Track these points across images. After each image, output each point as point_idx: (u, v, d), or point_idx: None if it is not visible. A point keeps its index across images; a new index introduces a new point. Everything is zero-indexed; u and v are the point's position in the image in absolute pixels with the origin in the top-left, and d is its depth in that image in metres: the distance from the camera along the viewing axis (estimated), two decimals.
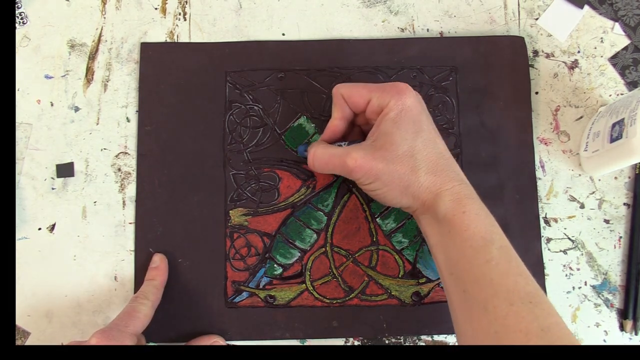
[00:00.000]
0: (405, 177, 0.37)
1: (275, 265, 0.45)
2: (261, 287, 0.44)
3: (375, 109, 0.39)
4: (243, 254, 0.45)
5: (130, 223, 0.45)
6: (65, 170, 0.46)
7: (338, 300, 0.44)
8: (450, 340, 0.44)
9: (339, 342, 0.44)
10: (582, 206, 0.46)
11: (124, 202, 0.45)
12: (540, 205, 0.46)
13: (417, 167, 0.37)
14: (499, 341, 0.32)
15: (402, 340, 0.44)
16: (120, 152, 0.46)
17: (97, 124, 0.46)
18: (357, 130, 0.44)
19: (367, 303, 0.44)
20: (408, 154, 0.37)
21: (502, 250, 0.35)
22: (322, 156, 0.40)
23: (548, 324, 0.32)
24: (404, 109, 0.38)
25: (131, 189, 0.46)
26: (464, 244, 0.35)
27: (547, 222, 0.46)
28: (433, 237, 0.38)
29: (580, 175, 0.46)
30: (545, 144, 0.47)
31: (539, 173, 0.46)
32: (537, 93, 0.47)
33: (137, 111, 0.46)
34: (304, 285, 0.44)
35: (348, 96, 0.40)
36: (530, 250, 0.45)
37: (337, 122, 0.41)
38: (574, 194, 0.46)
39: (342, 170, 0.39)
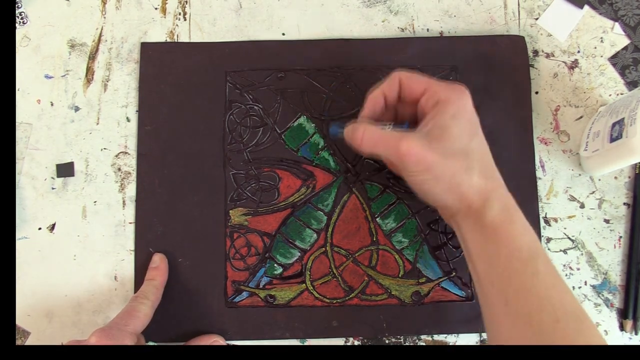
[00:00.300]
0: (458, 174, 0.36)
1: (275, 265, 0.45)
2: (261, 286, 0.44)
3: (432, 101, 0.38)
4: (243, 254, 0.45)
5: (130, 223, 0.45)
6: (65, 170, 0.46)
7: (338, 300, 0.44)
8: (450, 340, 0.44)
9: (339, 341, 0.44)
10: (582, 206, 0.46)
11: (124, 201, 0.45)
12: (540, 205, 0.46)
13: (471, 167, 0.36)
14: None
15: (402, 340, 0.44)
16: (120, 152, 0.46)
17: (97, 123, 0.46)
18: (390, 117, 0.42)
19: (367, 303, 0.44)
20: (464, 151, 0.36)
21: (548, 265, 0.35)
22: (372, 135, 0.38)
23: (594, 342, 0.32)
24: (464, 107, 0.37)
25: (131, 189, 0.46)
26: (511, 255, 0.34)
27: (547, 221, 0.46)
28: (474, 244, 0.37)
29: (580, 175, 0.46)
30: (545, 143, 0.47)
31: (539, 173, 0.46)
32: (537, 93, 0.47)
33: (137, 111, 0.46)
34: (304, 285, 0.44)
35: (407, 80, 0.39)
36: None
37: (378, 95, 0.40)
38: (574, 193, 0.46)
39: (393, 153, 0.36)
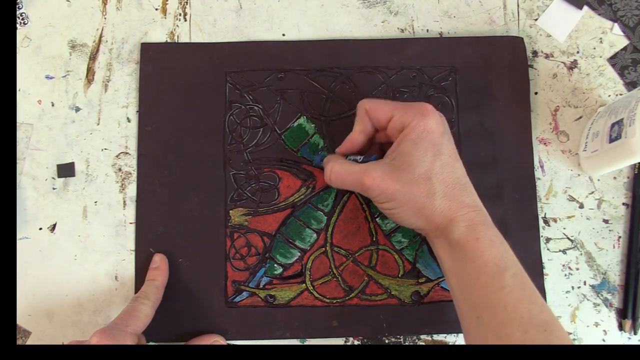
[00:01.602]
0: (420, 199, 0.37)
1: (275, 265, 0.45)
2: (261, 286, 0.44)
3: (397, 127, 0.39)
4: (243, 254, 0.45)
5: (130, 223, 0.45)
6: (66, 170, 0.46)
7: (338, 300, 0.44)
8: (450, 339, 0.45)
9: (339, 341, 0.44)
10: (582, 206, 0.46)
11: (124, 202, 0.46)
12: (539, 205, 0.46)
13: (433, 191, 0.37)
14: None
15: (401, 340, 0.44)
16: (121, 152, 0.46)
17: (98, 124, 0.46)
18: (376, 147, 0.44)
19: (367, 303, 0.44)
20: (425, 176, 0.37)
21: (516, 277, 0.35)
22: (339, 172, 0.40)
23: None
24: (425, 130, 0.38)
25: (132, 189, 0.46)
26: (478, 271, 0.35)
27: (546, 222, 0.46)
28: (446, 261, 0.38)
29: (579, 175, 0.47)
30: (545, 144, 0.47)
31: (538, 173, 0.46)
32: (536, 93, 0.47)
33: (137, 111, 0.46)
34: (304, 285, 0.45)
35: (371, 110, 0.40)
36: (529, 249, 0.45)
37: (357, 135, 0.42)
38: (573, 193, 0.46)
39: (359, 188, 0.39)
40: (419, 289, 0.45)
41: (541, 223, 0.46)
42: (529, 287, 0.35)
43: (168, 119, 0.46)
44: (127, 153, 0.46)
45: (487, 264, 0.35)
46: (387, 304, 0.44)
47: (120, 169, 0.46)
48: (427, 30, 0.48)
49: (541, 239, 0.45)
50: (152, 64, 0.47)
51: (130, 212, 0.45)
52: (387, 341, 0.44)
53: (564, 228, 0.46)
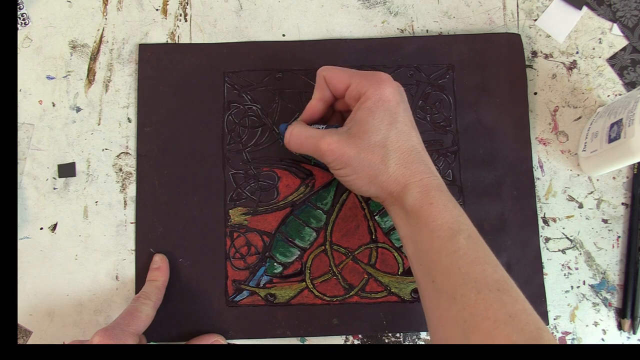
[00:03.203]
0: (374, 166, 0.37)
1: (275, 264, 0.45)
2: (261, 285, 0.45)
3: (354, 95, 0.39)
4: (243, 253, 0.45)
5: (131, 223, 0.45)
6: (67, 171, 0.46)
7: (338, 298, 0.45)
8: None
9: (339, 339, 0.45)
10: (581, 206, 0.46)
11: (125, 202, 0.46)
12: (539, 205, 0.46)
13: (387, 158, 0.37)
14: (468, 329, 0.32)
15: (401, 339, 0.45)
16: (122, 152, 0.46)
17: (99, 124, 0.47)
18: (338, 116, 0.44)
19: (367, 300, 0.44)
20: (380, 144, 0.37)
21: (470, 240, 0.35)
22: (298, 135, 0.41)
23: (515, 310, 0.32)
24: (381, 98, 0.38)
25: (132, 189, 0.46)
26: (432, 235, 0.35)
27: (545, 221, 0.46)
28: (402, 228, 0.38)
29: (578, 175, 0.47)
30: (544, 144, 0.47)
31: (537, 173, 0.47)
32: (535, 94, 0.48)
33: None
34: (304, 283, 0.45)
35: (329, 78, 0.41)
36: (529, 246, 0.45)
37: (315, 103, 0.42)
38: (572, 193, 0.46)
39: (315, 152, 0.39)
40: None
41: (540, 223, 0.46)
42: (483, 249, 0.35)
43: (167, 120, 0.46)
44: (127, 153, 0.46)
45: (441, 227, 0.35)
46: (387, 302, 0.44)
47: (121, 169, 0.46)
48: (427, 31, 0.48)
49: (540, 238, 0.45)
50: (151, 65, 0.47)
51: (131, 212, 0.45)
52: (387, 340, 0.45)
53: (563, 228, 0.46)
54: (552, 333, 0.44)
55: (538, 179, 0.46)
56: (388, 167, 0.37)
